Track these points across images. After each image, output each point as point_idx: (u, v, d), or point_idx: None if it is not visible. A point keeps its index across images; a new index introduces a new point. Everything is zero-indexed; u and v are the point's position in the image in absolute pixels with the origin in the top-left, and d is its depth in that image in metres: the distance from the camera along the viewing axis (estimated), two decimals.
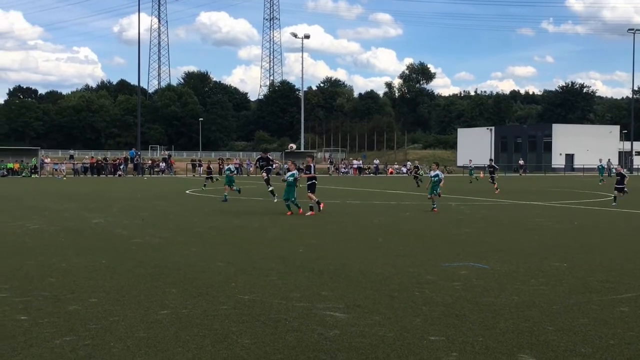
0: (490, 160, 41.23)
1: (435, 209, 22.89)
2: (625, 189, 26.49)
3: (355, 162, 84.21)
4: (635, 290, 9.34)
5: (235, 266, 11.22)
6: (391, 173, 77.98)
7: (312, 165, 22.30)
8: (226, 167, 30.00)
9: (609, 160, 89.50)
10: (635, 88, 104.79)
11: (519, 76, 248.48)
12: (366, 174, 77.99)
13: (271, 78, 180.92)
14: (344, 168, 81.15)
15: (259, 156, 21.44)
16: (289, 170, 21.83)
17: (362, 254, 12.90)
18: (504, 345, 6.56)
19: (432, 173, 24.08)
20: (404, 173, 79.88)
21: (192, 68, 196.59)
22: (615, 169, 25.13)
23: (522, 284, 9.80)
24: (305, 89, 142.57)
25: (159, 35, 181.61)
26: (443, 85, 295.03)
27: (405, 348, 6.47)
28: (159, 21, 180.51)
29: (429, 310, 8.05)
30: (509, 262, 11.82)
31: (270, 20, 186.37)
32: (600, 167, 56.63)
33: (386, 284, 9.74)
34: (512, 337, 6.86)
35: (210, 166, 41.25)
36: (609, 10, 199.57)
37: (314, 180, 21.93)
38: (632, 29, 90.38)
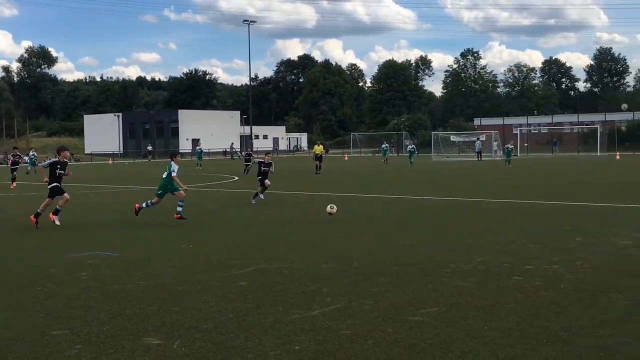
0: (15, 148, 39.08)
1: None
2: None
3: None
4: (253, 264, 10.03)
5: None
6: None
7: None
8: None
9: (231, 144, 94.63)
10: (252, 76, 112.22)
11: (145, 62, 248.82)
12: None
13: None
14: None
15: (57, 160, 15.41)
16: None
17: None
18: (130, 331, 6.57)
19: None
20: (25, 163, 75.10)
21: None
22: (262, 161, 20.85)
23: (150, 268, 9.90)
24: None
25: None
26: (66, 70, 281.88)
27: (25, 347, 6.12)
28: None
29: (53, 304, 7.73)
30: (138, 248, 11.88)
31: None
32: (198, 150, 59.22)
33: (1, 281, 9.11)
34: (138, 322, 6.90)
35: None
36: (225, 1, 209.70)
37: None
38: (247, 20, 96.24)
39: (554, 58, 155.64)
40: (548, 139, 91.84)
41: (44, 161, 16.48)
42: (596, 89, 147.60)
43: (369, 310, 7.27)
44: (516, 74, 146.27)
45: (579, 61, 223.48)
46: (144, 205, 16.24)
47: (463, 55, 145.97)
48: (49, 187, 15.18)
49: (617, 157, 60.51)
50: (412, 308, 7.34)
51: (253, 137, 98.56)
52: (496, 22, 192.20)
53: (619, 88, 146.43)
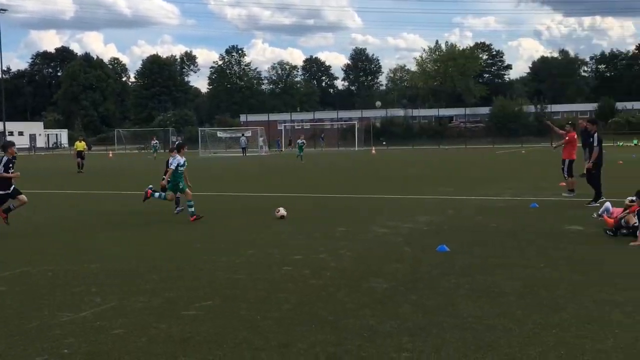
0: None
1: None
2: None
3: None
4: (13, 268, 9.44)
5: None
6: None
7: None
8: None
9: None
10: (4, 68, 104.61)
11: None
12: None
13: None
14: None
15: (8, 158, 13.38)
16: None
17: None
18: None
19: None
20: None
21: None
22: None
23: None
24: None
25: None
26: None
27: None
28: None
29: None
30: None
31: None
32: None
33: None
34: None
35: None
36: None
37: None
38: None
39: (314, 57, 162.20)
40: (311, 135, 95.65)
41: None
42: (353, 87, 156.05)
43: (141, 308, 7.16)
44: (279, 72, 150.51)
45: (337, 60, 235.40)
46: (156, 195, 15.00)
47: (228, 52, 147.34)
48: (2, 192, 13.20)
49: (373, 151, 64.60)
50: (186, 303, 7.35)
51: (7, 133, 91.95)
52: (259, 20, 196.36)
53: (373, 87, 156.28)
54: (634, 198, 11.73)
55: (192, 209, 14.68)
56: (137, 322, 6.61)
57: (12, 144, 13.99)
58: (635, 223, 11.04)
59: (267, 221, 14.37)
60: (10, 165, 13.29)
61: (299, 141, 50.54)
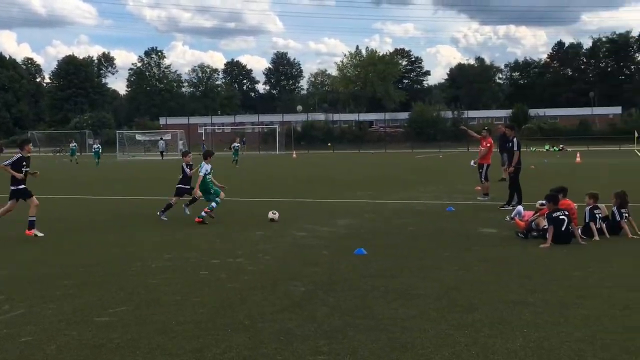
0: None
1: None
2: None
3: None
4: None
5: None
6: None
7: None
8: None
9: None
10: None
11: None
12: None
13: None
14: None
15: (21, 155, 12.92)
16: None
17: None
18: None
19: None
20: None
21: None
22: None
23: None
24: None
25: None
26: None
27: None
28: None
29: None
30: None
31: None
32: None
33: None
34: None
35: None
36: None
37: None
38: None
39: (235, 60, 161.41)
40: (232, 138, 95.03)
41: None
42: (274, 91, 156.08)
43: (52, 315, 6.94)
44: (200, 75, 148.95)
45: (258, 64, 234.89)
46: (206, 210, 14.78)
47: (147, 53, 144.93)
48: (14, 188, 12.84)
49: (294, 155, 64.71)
50: (99, 309, 7.17)
51: None
52: (179, 22, 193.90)
53: (295, 91, 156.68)
54: (544, 202, 12.12)
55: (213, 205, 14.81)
56: (46, 329, 6.41)
57: (28, 141, 14.02)
58: (545, 226, 11.42)
59: (184, 225, 14.19)
60: (24, 163, 13.03)
61: (235, 144, 48.47)
